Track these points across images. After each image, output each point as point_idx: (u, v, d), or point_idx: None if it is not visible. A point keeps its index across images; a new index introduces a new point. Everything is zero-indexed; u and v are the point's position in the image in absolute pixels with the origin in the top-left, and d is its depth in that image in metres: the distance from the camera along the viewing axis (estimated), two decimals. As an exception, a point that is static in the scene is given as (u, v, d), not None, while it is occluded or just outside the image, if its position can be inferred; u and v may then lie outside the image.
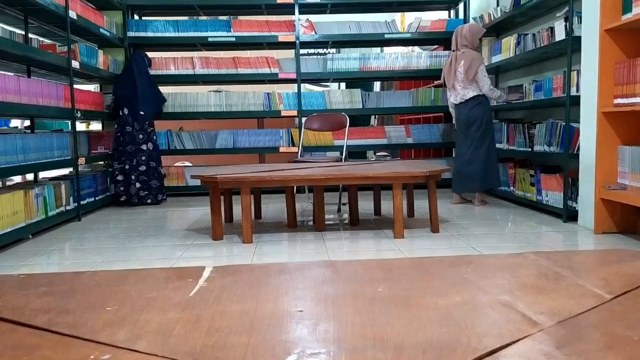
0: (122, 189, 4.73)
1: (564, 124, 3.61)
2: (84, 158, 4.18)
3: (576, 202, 3.54)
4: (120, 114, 4.75)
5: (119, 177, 4.74)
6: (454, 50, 4.39)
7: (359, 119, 7.35)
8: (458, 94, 4.33)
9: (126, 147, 4.73)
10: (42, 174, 5.06)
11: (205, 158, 6.07)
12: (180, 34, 5.27)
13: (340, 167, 3.48)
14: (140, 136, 4.76)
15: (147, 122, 4.82)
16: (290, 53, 5.73)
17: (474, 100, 4.25)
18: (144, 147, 4.77)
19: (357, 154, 7.08)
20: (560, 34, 3.70)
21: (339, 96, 5.40)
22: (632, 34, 3.11)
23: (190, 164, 6.01)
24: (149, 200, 4.80)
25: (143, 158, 4.77)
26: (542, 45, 3.99)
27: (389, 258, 0.97)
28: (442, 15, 6.09)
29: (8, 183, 5.36)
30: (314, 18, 5.52)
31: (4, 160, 3.07)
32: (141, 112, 4.80)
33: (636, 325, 0.64)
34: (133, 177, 4.73)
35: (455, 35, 4.38)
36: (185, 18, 5.75)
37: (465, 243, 3.06)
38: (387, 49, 8.13)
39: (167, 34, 5.27)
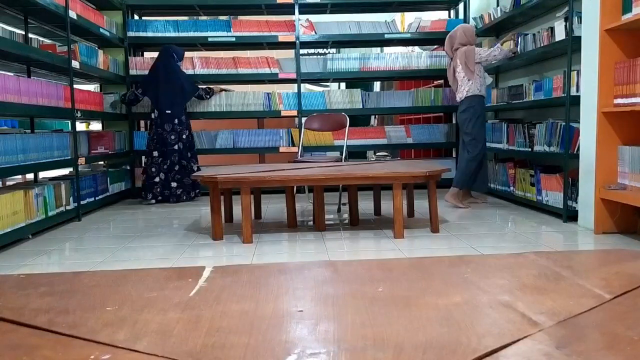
0: (158, 189, 4.87)
1: (564, 124, 3.61)
2: (84, 158, 4.18)
3: (576, 202, 3.54)
4: (153, 117, 4.87)
5: (156, 178, 4.86)
6: (451, 57, 4.45)
7: (359, 119, 7.35)
8: (458, 94, 4.40)
9: (162, 148, 4.85)
10: (42, 174, 5.06)
11: (205, 158, 6.07)
12: (180, 34, 5.27)
13: (340, 167, 3.48)
14: (172, 137, 4.86)
15: (176, 121, 4.89)
16: (290, 53, 5.73)
17: (470, 100, 4.28)
18: (175, 147, 4.87)
19: (357, 154, 7.08)
20: (560, 34, 3.70)
21: (339, 96, 5.40)
22: (632, 34, 3.11)
23: (190, 164, 6.01)
24: (184, 197, 4.95)
25: (176, 157, 4.89)
26: (542, 45, 3.99)
27: (389, 258, 0.97)
28: (442, 15, 6.09)
29: (8, 183, 5.36)
30: (314, 18, 5.52)
31: (4, 160, 3.07)
32: (167, 112, 4.87)
33: (636, 325, 0.64)
34: (170, 176, 4.89)
35: (449, 41, 4.44)
36: (185, 18, 5.75)
37: (465, 243, 3.06)
38: (387, 49, 8.13)
39: (167, 34, 5.27)
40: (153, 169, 4.83)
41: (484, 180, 4.40)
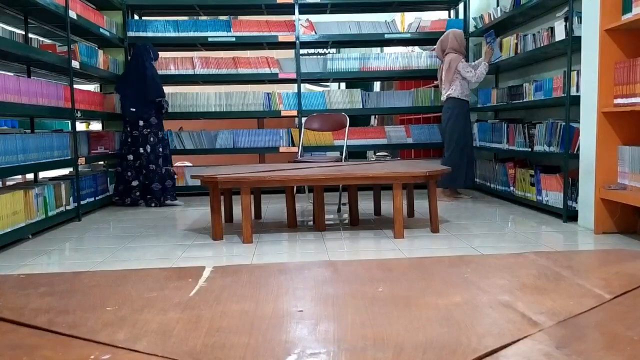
0: (137, 193, 4.74)
1: (564, 124, 3.61)
2: (84, 158, 4.18)
3: (576, 202, 3.54)
4: (126, 118, 4.76)
5: (132, 180, 4.73)
6: (442, 60, 4.78)
7: (359, 119, 7.35)
8: (442, 96, 4.75)
9: (132, 149, 4.72)
10: (42, 174, 5.06)
11: (205, 158, 6.07)
12: (180, 34, 5.27)
13: (340, 167, 3.48)
14: (140, 139, 4.71)
15: (141, 122, 4.71)
16: (290, 53, 5.73)
17: (448, 102, 4.63)
18: (141, 150, 4.72)
19: (357, 154, 7.08)
20: (560, 34, 3.70)
21: (339, 96, 5.40)
22: (632, 34, 3.11)
23: (190, 164, 6.01)
24: (153, 204, 4.73)
25: (144, 161, 4.72)
26: (542, 45, 3.99)
27: (389, 258, 0.97)
28: (442, 15, 6.09)
29: (8, 183, 5.36)
30: (314, 18, 5.52)
31: (4, 160, 3.07)
32: (132, 109, 4.72)
33: (636, 325, 0.64)
34: (141, 178, 4.74)
35: (440, 44, 4.75)
36: (185, 18, 5.75)
37: (465, 243, 3.06)
38: (387, 49, 8.13)
39: (167, 34, 5.27)
40: (129, 173, 4.72)
41: (470, 177, 4.66)
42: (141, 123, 4.71)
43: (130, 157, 4.72)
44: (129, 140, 4.74)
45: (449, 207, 4.34)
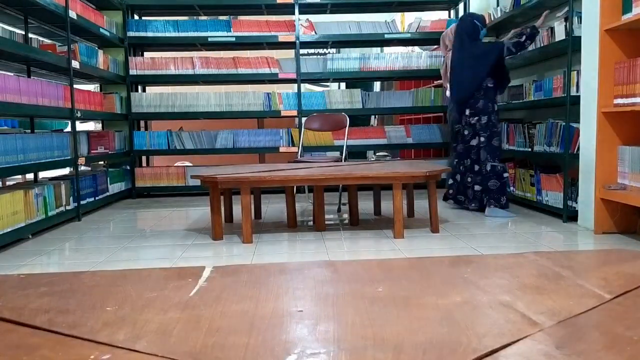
0: (450, 192, 4.19)
1: (564, 124, 3.61)
2: (84, 158, 4.18)
3: (576, 202, 3.54)
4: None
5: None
6: (444, 56, 4.64)
7: (359, 119, 7.35)
8: (448, 91, 4.56)
9: (459, 144, 4.06)
10: (42, 174, 5.07)
11: (205, 158, 6.07)
12: (180, 34, 5.27)
13: (340, 167, 3.48)
14: (466, 132, 3.99)
15: (467, 112, 3.95)
16: (290, 53, 5.73)
17: None
18: (473, 142, 3.95)
19: (357, 154, 7.07)
20: (560, 34, 3.70)
21: (339, 96, 5.40)
22: (632, 34, 3.11)
23: (190, 164, 6.01)
24: (492, 204, 3.85)
25: (472, 156, 3.97)
26: (542, 45, 3.98)
27: (389, 258, 0.97)
28: (442, 15, 6.09)
29: (8, 183, 5.36)
30: (314, 18, 5.52)
31: (4, 160, 3.07)
32: (454, 97, 4.03)
33: (636, 325, 0.64)
34: (469, 179, 4.01)
35: (443, 41, 4.61)
36: (185, 18, 5.75)
37: (465, 243, 3.06)
38: (387, 49, 8.13)
39: (167, 34, 5.27)
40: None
41: None
42: (467, 112, 3.94)
43: (459, 148, 4.04)
44: (452, 131, 4.16)
45: (449, 206, 4.33)
